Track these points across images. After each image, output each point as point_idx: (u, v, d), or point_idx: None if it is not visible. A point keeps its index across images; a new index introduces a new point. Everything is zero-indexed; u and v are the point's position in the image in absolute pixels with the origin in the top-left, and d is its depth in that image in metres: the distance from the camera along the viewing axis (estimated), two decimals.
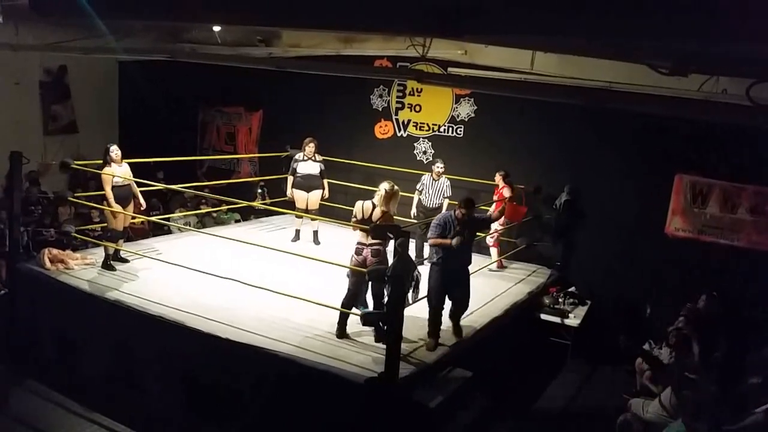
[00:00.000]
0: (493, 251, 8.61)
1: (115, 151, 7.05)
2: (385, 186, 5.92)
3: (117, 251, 7.33)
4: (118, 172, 7.02)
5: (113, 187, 6.96)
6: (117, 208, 6.99)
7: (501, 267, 8.64)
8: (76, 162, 7.86)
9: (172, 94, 11.67)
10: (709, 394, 5.44)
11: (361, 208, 6.01)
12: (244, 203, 8.37)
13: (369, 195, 9.16)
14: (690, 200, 8.03)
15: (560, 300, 8.15)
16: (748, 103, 5.01)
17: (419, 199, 8.46)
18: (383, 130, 10.27)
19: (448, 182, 8.41)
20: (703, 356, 6.14)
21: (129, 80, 12.34)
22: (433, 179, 8.36)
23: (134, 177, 7.25)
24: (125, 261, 7.37)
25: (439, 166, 8.37)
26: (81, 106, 11.97)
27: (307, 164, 8.74)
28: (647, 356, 6.97)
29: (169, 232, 9.51)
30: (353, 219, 6.03)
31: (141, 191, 7.40)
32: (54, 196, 8.57)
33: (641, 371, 6.90)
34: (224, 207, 10.33)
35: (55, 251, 7.10)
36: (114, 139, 11.64)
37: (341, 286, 6.03)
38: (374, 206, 5.93)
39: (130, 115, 12.62)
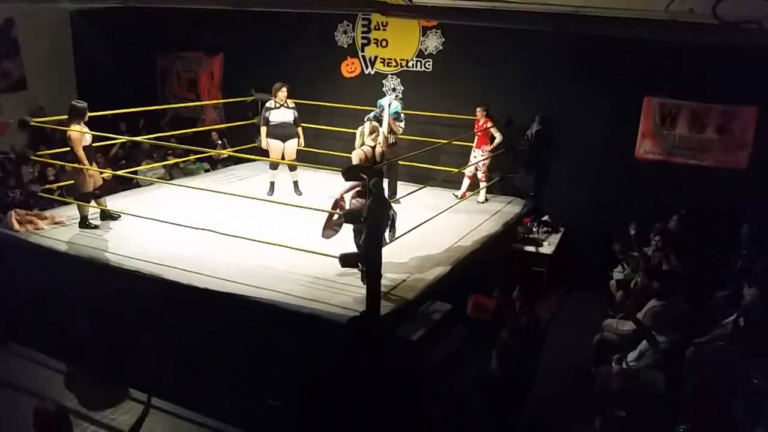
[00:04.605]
0: (466, 182, 8.60)
1: (85, 109, 6.78)
2: (375, 125, 5.97)
3: (86, 211, 7.16)
4: (86, 130, 6.79)
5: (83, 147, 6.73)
6: (91, 167, 6.78)
7: (463, 197, 8.54)
8: (35, 119, 7.59)
9: (128, 43, 11.22)
10: (681, 311, 5.63)
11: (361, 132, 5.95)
12: (213, 152, 8.15)
13: (339, 137, 9.16)
14: (659, 122, 8.08)
15: (534, 229, 8.28)
16: (715, 21, 4.99)
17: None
18: (350, 68, 10.03)
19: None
20: (674, 273, 6.31)
21: (82, 31, 11.80)
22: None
23: (95, 131, 7.03)
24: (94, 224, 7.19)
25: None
26: (33, 61, 11.42)
27: (280, 111, 8.29)
28: (620, 281, 7.16)
29: (137, 185, 9.32)
30: (358, 141, 5.93)
31: (105, 144, 7.19)
32: (15, 156, 8.27)
33: (615, 292, 7.09)
34: (192, 157, 10.11)
35: (22, 212, 6.93)
36: (72, 93, 11.23)
37: (317, 232, 6.01)
38: (372, 147, 5.86)
39: (86, 68, 12.13)
